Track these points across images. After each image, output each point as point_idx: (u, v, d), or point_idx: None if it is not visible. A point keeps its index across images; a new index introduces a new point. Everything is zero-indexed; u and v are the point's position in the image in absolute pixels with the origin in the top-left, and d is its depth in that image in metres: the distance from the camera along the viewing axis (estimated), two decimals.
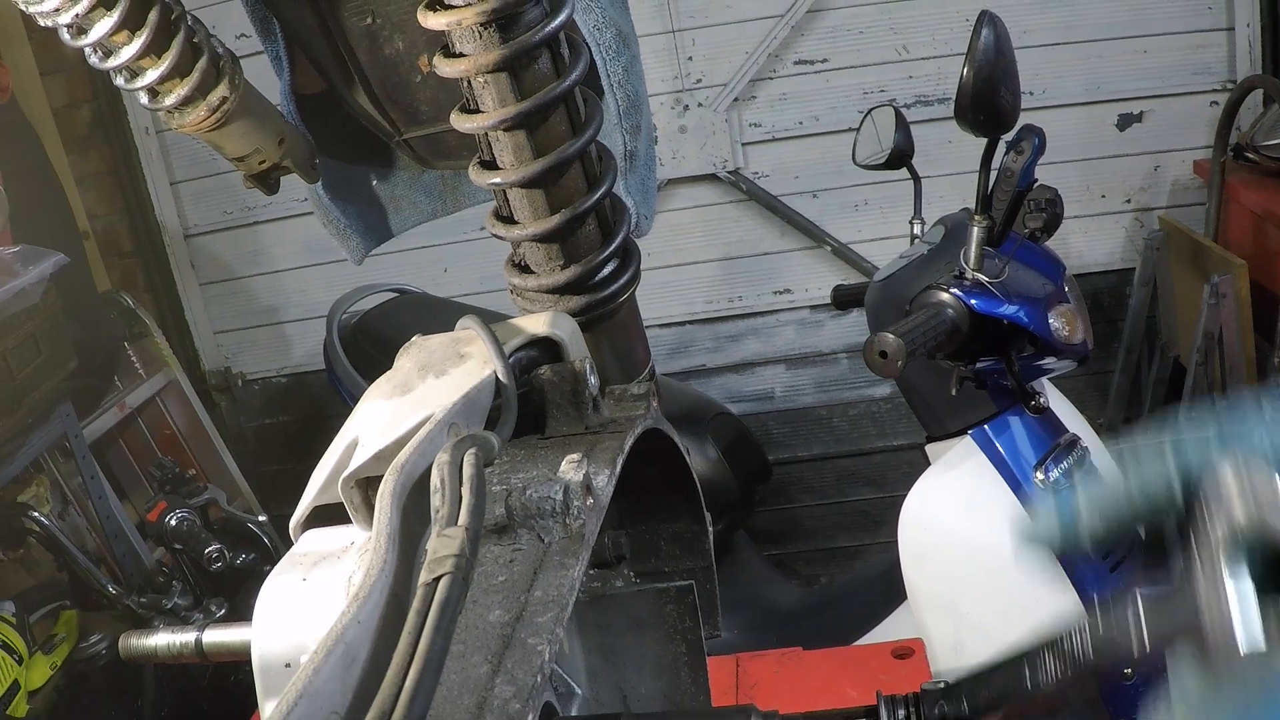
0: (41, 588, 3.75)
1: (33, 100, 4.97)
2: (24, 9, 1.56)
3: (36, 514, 3.67)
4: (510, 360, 1.21)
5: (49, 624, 3.58)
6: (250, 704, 0.96)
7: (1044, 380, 2.84)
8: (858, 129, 3.30)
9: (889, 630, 3.32)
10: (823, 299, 4.92)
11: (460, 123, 1.42)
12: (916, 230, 3.19)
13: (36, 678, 3.34)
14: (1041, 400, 2.70)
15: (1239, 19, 4.67)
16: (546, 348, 1.32)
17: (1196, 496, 0.75)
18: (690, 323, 5.32)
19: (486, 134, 1.42)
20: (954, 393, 2.71)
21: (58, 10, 1.56)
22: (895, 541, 2.93)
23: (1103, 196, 4.97)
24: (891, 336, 2.30)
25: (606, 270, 1.57)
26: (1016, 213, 2.65)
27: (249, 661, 0.96)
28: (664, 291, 5.17)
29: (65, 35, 1.61)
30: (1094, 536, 0.82)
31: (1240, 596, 0.67)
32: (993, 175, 2.64)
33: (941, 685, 1.07)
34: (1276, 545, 0.70)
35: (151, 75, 1.67)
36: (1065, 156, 4.75)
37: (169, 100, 1.73)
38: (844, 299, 3.38)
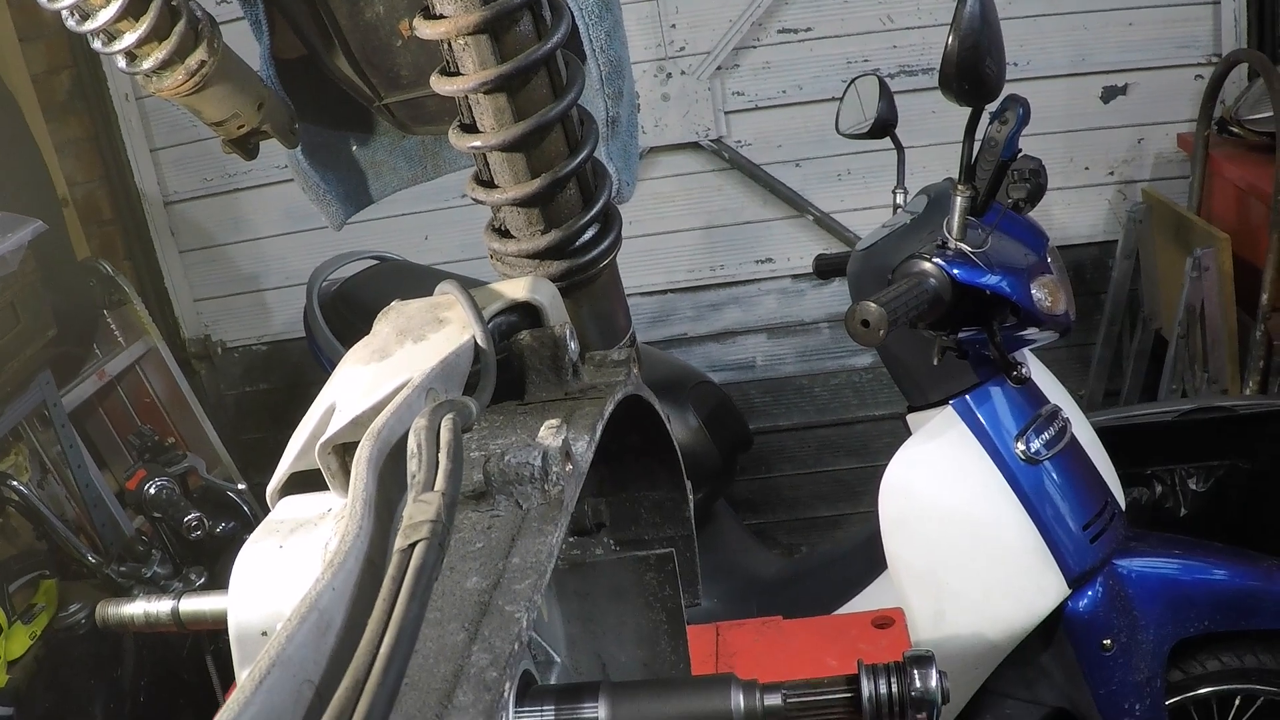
0: (20, 557, 3.73)
1: (11, 67, 4.93)
2: None
3: (15, 483, 3.66)
4: (489, 325, 1.20)
5: (28, 593, 3.57)
6: (230, 673, 0.95)
7: (1026, 351, 2.85)
8: (841, 98, 3.29)
9: (869, 600, 3.33)
10: (805, 268, 4.91)
11: (440, 85, 1.41)
12: (899, 200, 3.18)
13: (16, 647, 3.34)
14: (1023, 371, 2.70)
15: None
16: (526, 313, 1.31)
17: None
18: (671, 291, 5.32)
19: (467, 97, 1.41)
20: (936, 362, 2.71)
21: None
22: (876, 511, 2.93)
23: (1086, 168, 4.97)
24: (873, 306, 2.30)
25: (587, 235, 1.56)
26: (1000, 183, 2.64)
27: (227, 630, 0.95)
28: (645, 260, 5.17)
29: None
30: None
31: None
32: (976, 145, 2.63)
33: None
34: None
35: (129, 39, 1.66)
36: (1049, 128, 4.75)
37: (147, 64, 1.71)
38: (826, 268, 3.38)
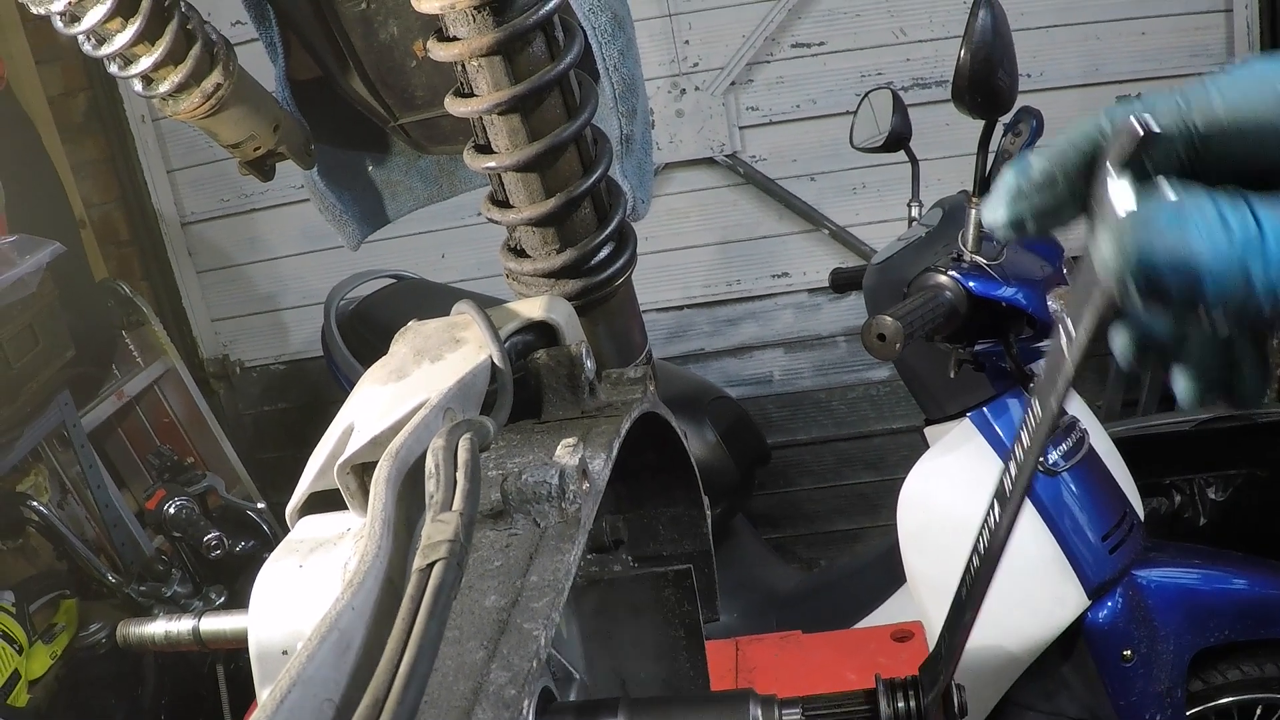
0: (41, 577, 3.75)
1: (28, 89, 4.96)
2: None
3: (35, 503, 3.68)
4: (506, 344, 1.20)
5: (49, 613, 3.59)
6: (251, 691, 0.96)
7: (1042, 362, 2.84)
8: (855, 112, 3.30)
9: (888, 613, 3.33)
10: (821, 282, 4.92)
11: (455, 107, 1.42)
12: (914, 213, 3.18)
13: (37, 667, 3.35)
14: None
15: (1237, 1, 4.66)
16: (542, 332, 1.32)
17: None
18: (688, 307, 5.32)
19: (481, 118, 1.42)
20: (952, 375, 2.71)
21: None
22: (894, 524, 2.93)
23: None
24: (890, 319, 2.30)
25: (602, 254, 1.56)
26: None
27: (247, 648, 0.95)
28: (661, 275, 5.17)
29: (58, 23, 1.61)
30: (1038, 189, 0.82)
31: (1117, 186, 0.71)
32: (990, 157, 2.64)
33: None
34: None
35: (145, 62, 1.67)
36: None
37: (163, 87, 1.72)
38: (842, 282, 3.38)
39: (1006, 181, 0.80)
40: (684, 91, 4.96)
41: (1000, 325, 2.62)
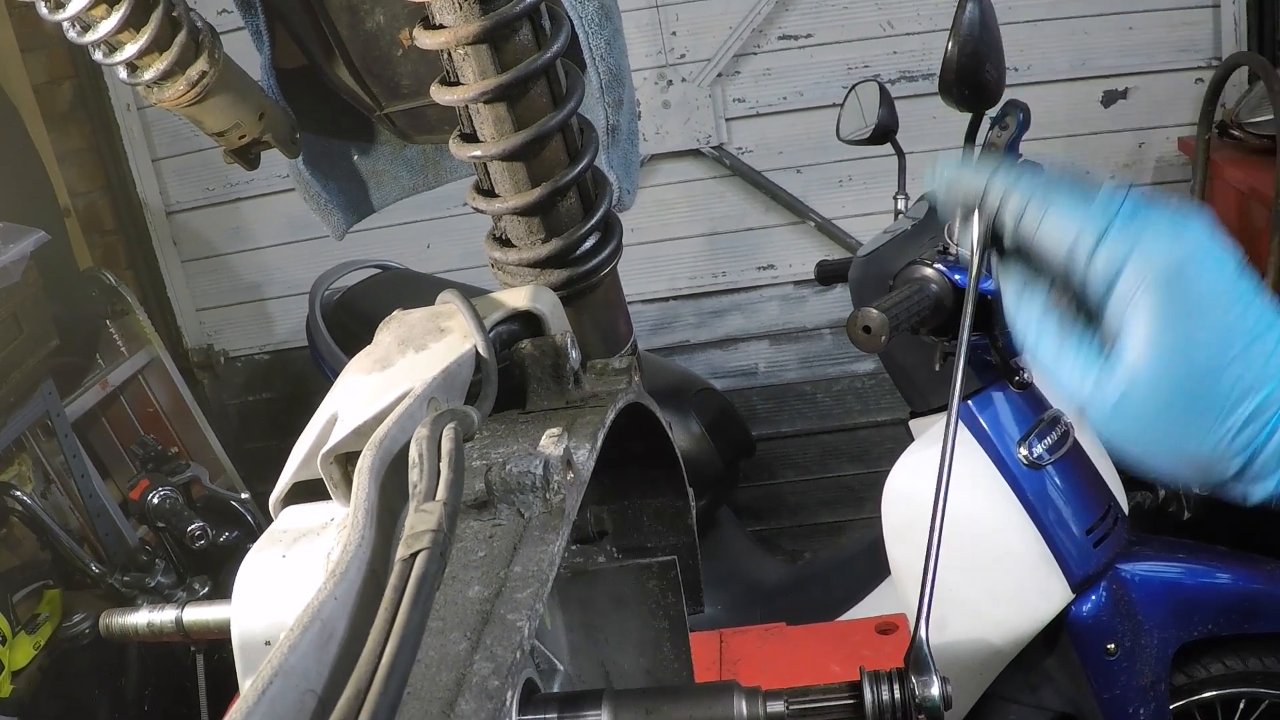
0: (24, 567, 3.74)
1: (13, 77, 4.94)
2: None
3: (19, 493, 3.66)
4: (491, 334, 1.20)
5: (32, 603, 3.58)
6: (235, 683, 0.95)
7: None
8: (842, 104, 3.30)
9: (872, 606, 3.33)
10: (806, 274, 4.91)
11: (440, 95, 1.41)
12: (900, 206, 3.19)
13: (20, 658, 3.34)
14: (1025, 376, 2.70)
15: None
16: (527, 322, 1.31)
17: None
18: (674, 298, 5.32)
19: (467, 106, 1.42)
20: (938, 368, 2.71)
21: None
22: (879, 517, 2.93)
23: (1087, 173, 4.96)
24: (875, 312, 2.30)
25: (588, 244, 1.56)
26: None
27: (230, 639, 0.95)
28: (647, 267, 5.17)
29: (43, 10, 1.60)
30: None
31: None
32: (977, 151, 2.63)
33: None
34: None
35: (130, 50, 1.66)
36: (1050, 133, 4.76)
37: (148, 75, 1.71)
38: (828, 274, 3.38)
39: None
40: (671, 83, 4.95)
41: (986, 318, 2.62)
